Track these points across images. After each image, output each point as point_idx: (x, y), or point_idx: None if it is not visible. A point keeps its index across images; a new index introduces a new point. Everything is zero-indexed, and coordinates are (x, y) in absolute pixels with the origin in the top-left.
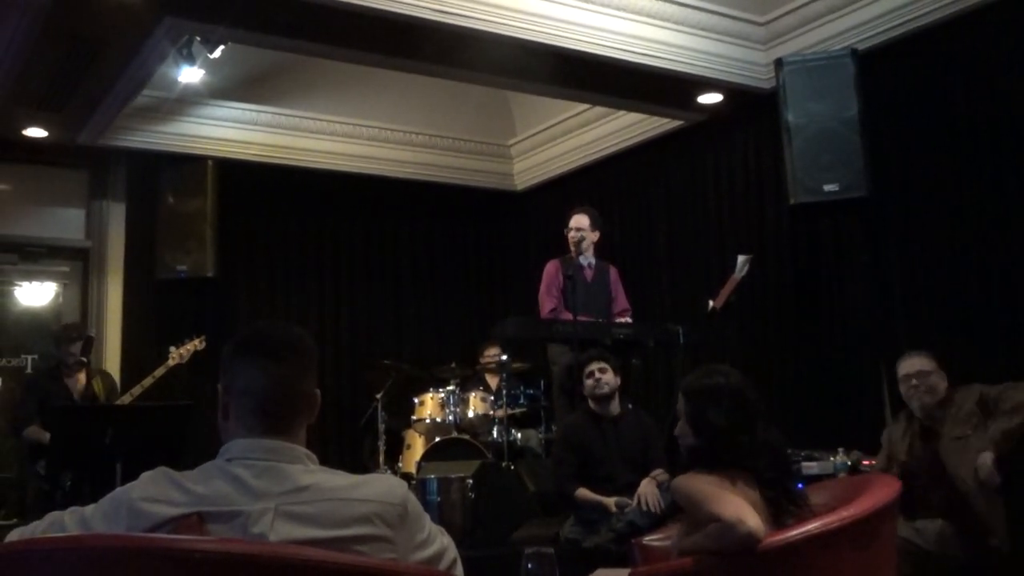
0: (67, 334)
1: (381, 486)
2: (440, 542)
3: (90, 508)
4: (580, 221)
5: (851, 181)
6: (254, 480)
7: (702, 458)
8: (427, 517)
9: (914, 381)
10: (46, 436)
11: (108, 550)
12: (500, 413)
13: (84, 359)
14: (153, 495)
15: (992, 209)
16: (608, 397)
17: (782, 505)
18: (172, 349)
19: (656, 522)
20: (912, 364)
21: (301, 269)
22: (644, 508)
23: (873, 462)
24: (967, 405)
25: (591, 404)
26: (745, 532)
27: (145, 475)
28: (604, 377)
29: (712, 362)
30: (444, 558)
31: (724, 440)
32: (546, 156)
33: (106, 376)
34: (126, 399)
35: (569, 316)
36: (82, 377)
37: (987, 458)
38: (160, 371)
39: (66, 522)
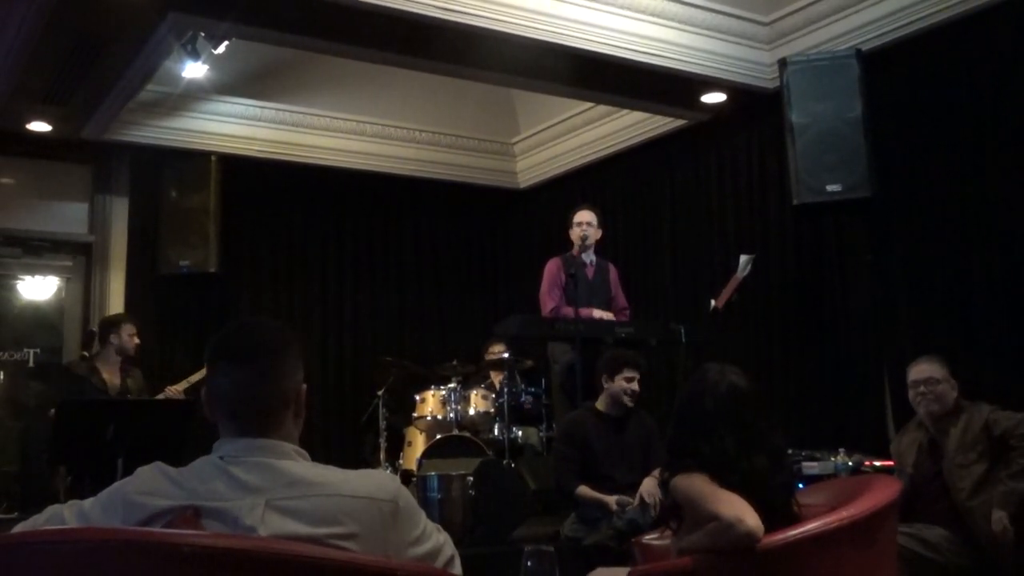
0: (122, 319)
1: (372, 482)
2: (435, 539)
3: (88, 502)
4: (588, 216)
5: (855, 181)
6: (245, 476)
7: (676, 452)
8: (422, 513)
9: (922, 388)
10: None
11: (101, 543)
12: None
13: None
14: (146, 488)
15: (996, 210)
16: (625, 406)
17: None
18: None
19: (657, 521)
20: (922, 370)
21: (304, 265)
22: (648, 501)
23: (875, 463)
24: (974, 427)
25: (600, 403)
26: (744, 531)
27: (140, 470)
28: (637, 389)
29: (712, 363)
30: (440, 555)
31: (682, 432)
32: (549, 154)
33: (136, 374)
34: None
35: (571, 312)
36: (118, 372)
37: (1003, 518)
38: (196, 376)
39: (65, 515)
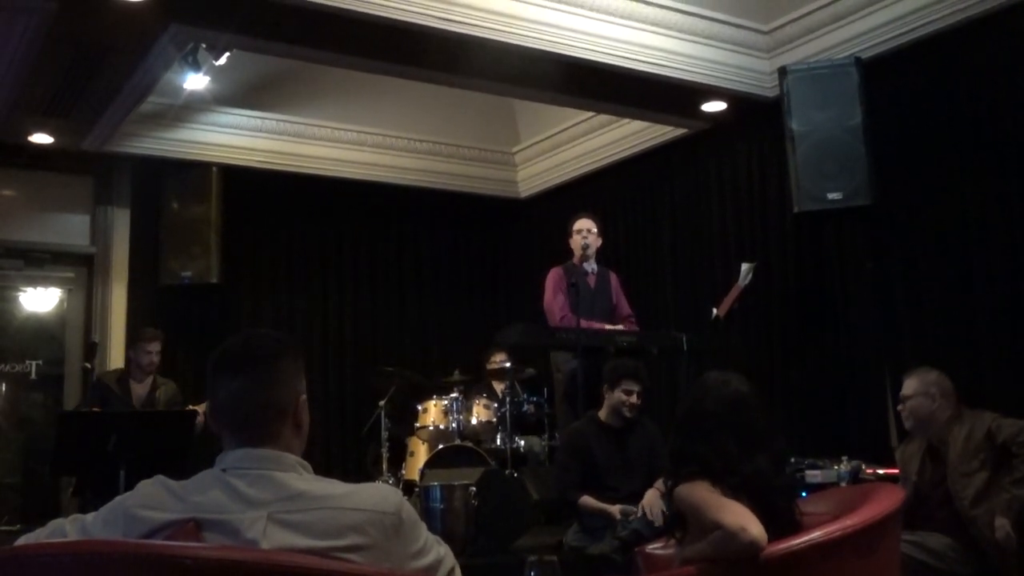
0: (143, 335)
1: (375, 495)
2: (437, 552)
3: (90, 516)
4: (588, 223)
5: (855, 189)
6: (247, 488)
7: (677, 460)
8: (423, 526)
9: (900, 405)
10: None
11: (101, 555)
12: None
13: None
14: (148, 502)
15: (996, 217)
16: (626, 417)
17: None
18: None
19: (660, 531)
20: (903, 386)
21: (305, 275)
22: (649, 517)
23: (877, 471)
24: (976, 435)
25: (602, 413)
26: (748, 540)
27: (142, 483)
28: (635, 402)
29: (714, 370)
30: (441, 567)
31: (683, 439)
32: (550, 163)
33: (169, 387)
34: None
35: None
36: (148, 383)
37: (1005, 525)
38: None
39: (67, 529)
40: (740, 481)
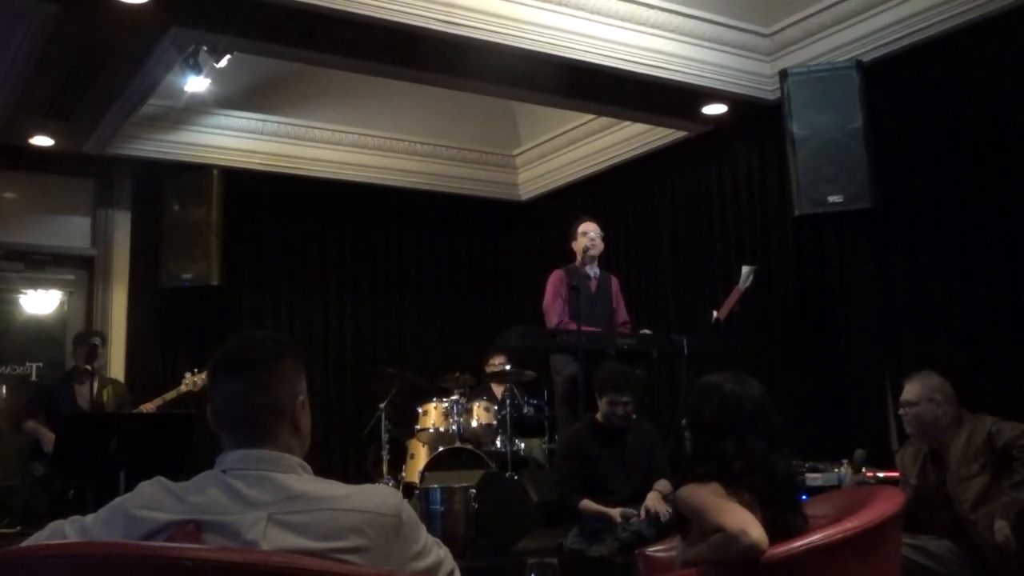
0: (79, 337)
1: (375, 496)
2: (436, 554)
3: (90, 517)
4: (593, 227)
5: (855, 192)
6: (248, 490)
7: (695, 460)
8: (423, 528)
9: (902, 410)
10: (43, 432)
11: (101, 557)
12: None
13: (88, 367)
14: (148, 503)
15: (997, 220)
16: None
17: (777, 524)
18: (187, 375)
19: (662, 533)
20: (904, 391)
21: (306, 278)
22: (652, 510)
23: (878, 474)
24: (976, 439)
25: (599, 417)
26: (748, 543)
27: (141, 485)
28: (621, 413)
29: (721, 372)
30: (441, 570)
31: (708, 439)
32: (551, 166)
33: (118, 386)
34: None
35: (574, 326)
36: (93, 385)
37: (1004, 528)
38: (171, 395)
39: (67, 531)
40: (764, 479)
